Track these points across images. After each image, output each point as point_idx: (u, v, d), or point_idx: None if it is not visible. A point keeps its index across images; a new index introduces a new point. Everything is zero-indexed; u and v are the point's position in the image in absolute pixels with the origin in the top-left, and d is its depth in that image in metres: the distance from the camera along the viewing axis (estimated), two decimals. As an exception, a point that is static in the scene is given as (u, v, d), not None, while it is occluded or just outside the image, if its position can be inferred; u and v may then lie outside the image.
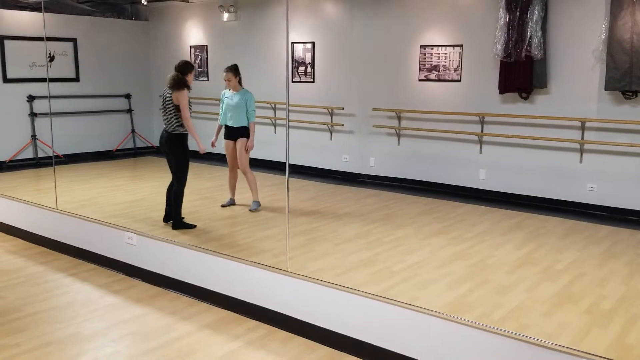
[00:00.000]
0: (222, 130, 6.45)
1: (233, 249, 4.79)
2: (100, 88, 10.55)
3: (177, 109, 5.38)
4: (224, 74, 6.22)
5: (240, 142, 6.23)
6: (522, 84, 6.82)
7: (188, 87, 5.44)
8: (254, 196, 6.35)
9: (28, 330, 4.01)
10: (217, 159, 9.43)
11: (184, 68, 5.49)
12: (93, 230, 5.50)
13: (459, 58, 7.46)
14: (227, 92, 6.29)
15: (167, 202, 5.65)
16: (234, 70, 6.20)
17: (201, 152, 5.61)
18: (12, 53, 9.36)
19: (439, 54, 7.63)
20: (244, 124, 6.23)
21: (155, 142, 11.20)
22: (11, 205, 6.45)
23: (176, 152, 5.46)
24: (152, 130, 11.22)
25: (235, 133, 6.26)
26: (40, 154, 9.73)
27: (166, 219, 5.63)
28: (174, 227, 5.44)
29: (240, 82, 6.27)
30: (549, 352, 3.01)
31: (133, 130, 10.81)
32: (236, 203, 6.51)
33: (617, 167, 6.44)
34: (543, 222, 6.04)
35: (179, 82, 5.39)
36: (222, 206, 6.41)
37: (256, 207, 6.28)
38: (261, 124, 9.59)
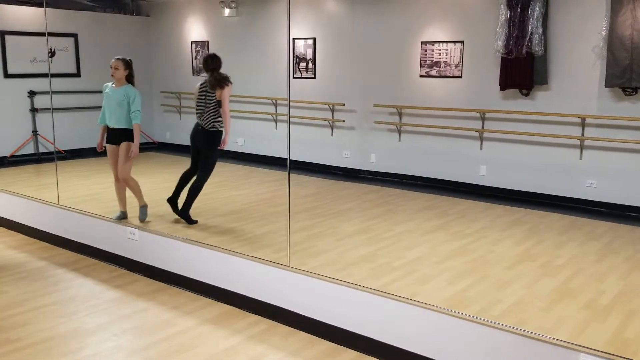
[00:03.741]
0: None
1: (235, 245, 4.81)
2: (101, 83, 10.35)
3: (218, 104, 5.41)
4: (112, 61, 5.45)
5: (123, 146, 5.45)
6: (522, 80, 6.84)
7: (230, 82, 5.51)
8: (140, 201, 5.61)
9: (30, 324, 4.03)
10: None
11: (219, 63, 5.48)
12: (95, 226, 5.53)
13: (460, 54, 7.47)
14: (108, 87, 5.52)
15: (178, 185, 5.68)
16: (125, 62, 5.47)
17: (223, 146, 5.54)
18: (13, 48, 9.37)
19: (440, 50, 7.64)
20: (125, 125, 5.44)
21: (156, 138, 11.23)
22: (13, 201, 6.47)
23: (210, 148, 5.49)
24: (153, 126, 11.25)
25: (117, 135, 5.48)
26: (42, 150, 9.75)
27: (171, 201, 5.63)
28: (179, 214, 5.52)
29: (129, 80, 5.51)
30: (548, 346, 3.04)
31: (134, 126, 10.82)
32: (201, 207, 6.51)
33: (617, 164, 6.46)
34: (543, 218, 6.07)
35: (223, 79, 5.42)
36: (117, 218, 5.57)
37: (144, 214, 5.56)
38: (262, 119, 9.62)
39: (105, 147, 5.61)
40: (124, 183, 5.58)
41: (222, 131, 5.50)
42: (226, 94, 5.40)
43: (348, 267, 4.34)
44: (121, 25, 10.83)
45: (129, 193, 5.65)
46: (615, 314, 3.59)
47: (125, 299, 4.53)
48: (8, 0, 9.40)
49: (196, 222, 5.51)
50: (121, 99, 5.39)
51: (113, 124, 5.47)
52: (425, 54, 7.76)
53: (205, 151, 5.50)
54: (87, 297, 4.57)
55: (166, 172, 8.47)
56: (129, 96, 5.40)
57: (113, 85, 5.51)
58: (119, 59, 5.47)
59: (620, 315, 3.59)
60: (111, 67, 5.44)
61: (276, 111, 9.40)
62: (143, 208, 5.57)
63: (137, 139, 5.43)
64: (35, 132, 9.69)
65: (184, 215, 5.49)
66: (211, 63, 5.47)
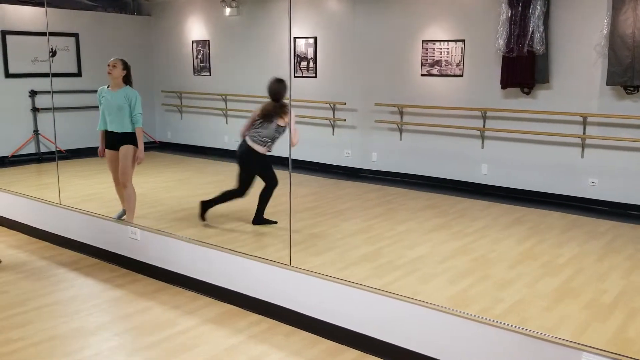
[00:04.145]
0: None
1: (236, 244, 4.81)
2: (102, 83, 10.40)
3: (277, 130, 5.52)
4: (111, 60, 5.34)
5: (125, 149, 5.35)
6: (524, 79, 6.83)
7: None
8: (129, 216, 5.49)
9: (32, 324, 4.03)
10: (219, 154, 9.46)
11: (285, 91, 5.59)
12: (96, 225, 5.52)
13: (461, 53, 7.46)
14: (105, 90, 5.36)
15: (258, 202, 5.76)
16: (124, 62, 5.36)
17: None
18: (14, 48, 9.38)
19: (441, 49, 7.63)
20: (126, 129, 5.36)
21: (157, 137, 11.23)
22: (14, 200, 6.47)
23: (266, 165, 5.69)
24: (154, 126, 11.25)
25: (117, 140, 5.39)
26: (43, 149, 9.76)
27: (255, 221, 5.68)
28: (201, 204, 5.62)
29: (126, 81, 5.39)
30: (550, 345, 3.03)
31: (135, 125, 10.82)
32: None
33: (619, 162, 6.45)
34: (544, 217, 6.06)
35: (283, 107, 5.51)
36: (117, 217, 5.63)
37: (120, 217, 5.50)
38: (263, 119, 9.61)
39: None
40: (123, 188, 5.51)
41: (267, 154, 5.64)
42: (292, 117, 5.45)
43: (350, 267, 4.34)
44: (122, 25, 10.83)
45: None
46: (617, 313, 3.59)
47: (126, 298, 4.53)
48: (10, 0, 9.40)
49: (203, 220, 5.59)
50: (121, 103, 5.28)
51: (114, 129, 5.35)
52: (427, 53, 7.75)
53: (263, 167, 5.66)
54: (89, 296, 4.57)
55: (167, 172, 8.49)
56: (129, 99, 5.28)
57: (109, 88, 5.38)
58: (118, 58, 5.36)
59: (622, 314, 3.58)
60: (109, 65, 5.31)
61: (277, 110, 9.38)
62: (124, 216, 5.54)
63: (142, 142, 5.36)
64: (36, 131, 9.70)
65: (203, 208, 5.61)
66: (280, 91, 5.59)
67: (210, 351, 3.67)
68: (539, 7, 6.58)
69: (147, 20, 11.17)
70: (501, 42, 6.84)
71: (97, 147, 5.66)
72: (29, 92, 9.61)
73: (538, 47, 6.61)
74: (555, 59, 6.76)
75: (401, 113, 8.09)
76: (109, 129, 5.39)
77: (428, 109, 7.80)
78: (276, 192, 6.96)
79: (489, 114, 7.34)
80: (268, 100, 5.70)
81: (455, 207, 6.40)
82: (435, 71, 7.72)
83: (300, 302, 4.01)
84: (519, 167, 7.18)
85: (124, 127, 5.34)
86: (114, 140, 5.40)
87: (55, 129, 7.20)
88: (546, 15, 6.64)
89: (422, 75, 7.84)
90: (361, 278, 4.01)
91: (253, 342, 3.81)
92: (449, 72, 7.60)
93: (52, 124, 7.13)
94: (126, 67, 5.35)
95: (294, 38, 9.02)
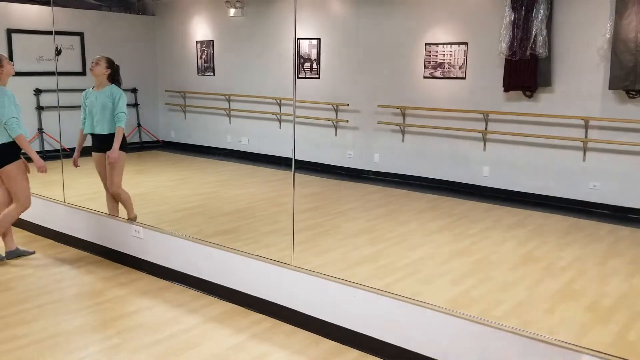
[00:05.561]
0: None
1: (239, 243, 4.84)
2: (107, 82, 10.58)
3: None
4: (96, 57, 5.16)
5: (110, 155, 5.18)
6: (526, 82, 6.85)
7: None
8: (130, 214, 5.42)
9: (35, 321, 4.06)
10: (222, 154, 9.48)
11: None
12: (100, 223, 5.55)
13: (464, 56, 7.48)
14: (89, 92, 5.22)
15: None
16: (110, 61, 5.16)
17: None
18: (19, 46, 9.42)
19: (444, 51, 7.65)
20: (113, 130, 5.15)
21: (161, 136, 11.24)
22: (18, 198, 6.49)
23: None
24: (158, 125, 11.27)
25: (105, 142, 5.20)
26: (47, 147, 9.79)
27: None
28: None
29: (112, 81, 5.19)
30: (550, 348, 3.05)
31: (139, 125, 10.85)
32: (241, 198, 6.52)
33: (620, 166, 6.46)
34: (545, 219, 6.08)
35: None
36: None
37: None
38: (267, 119, 9.64)
39: (81, 163, 5.35)
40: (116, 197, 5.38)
41: None
42: None
43: (352, 267, 4.36)
44: (127, 24, 10.86)
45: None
46: (618, 316, 3.61)
47: (129, 296, 4.56)
48: (15, -1, 9.46)
49: None
50: (105, 101, 5.10)
51: (99, 130, 5.20)
52: (430, 55, 7.78)
53: None
54: (92, 294, 4.59)
55: (170, 171, 8.52)
56: (113, 97, 5.09)
57: (93, 89, 5.26)
58: (103, 56, 5.19)
59: (624, 317, 3.60)
60: (92, 62, 5.14)
61: (280, 111, 9.42)
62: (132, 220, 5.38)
63: (118, 143, 5.09)
64: (40, 129, 9.74)
65: None
66: None
67: (213, 350, 3.69)
68: (542, 11, 6.60)
69: (152, 20, 11.20)
70: (504, 45, 6.86)
71: (72, 163, 5.54)
72: (34, 90, 9.65)
73: (541, 51, 6.63)
74: (557, 63, 6.78)
75: (404, 115, 8.11)
76: (95, 132, 5.23)
77: (430, 111, 7.82)
78: (279, 191, 7.00)
79: (491, 116, 7.36)
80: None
81: (457, 209, 6.42)
82: (438, 73, 7.74)
83: (302, 302, 4.04)
84: (520, 169, 7.20)
85: (109, 128, 5.16)
86: (100, 143, 5.26)
87: (60, 127, 7.24)
88: (549, 19, 6.66)
89: (424, 77, 7.86)
90: (363, 278, 4.03)
91: (255, 341, 3.84)
92: (452, 75, 7.62)
93: (57, 122, 7.17)
94: (111, 65, 5.16)
95: (298, 39, 9.05)
